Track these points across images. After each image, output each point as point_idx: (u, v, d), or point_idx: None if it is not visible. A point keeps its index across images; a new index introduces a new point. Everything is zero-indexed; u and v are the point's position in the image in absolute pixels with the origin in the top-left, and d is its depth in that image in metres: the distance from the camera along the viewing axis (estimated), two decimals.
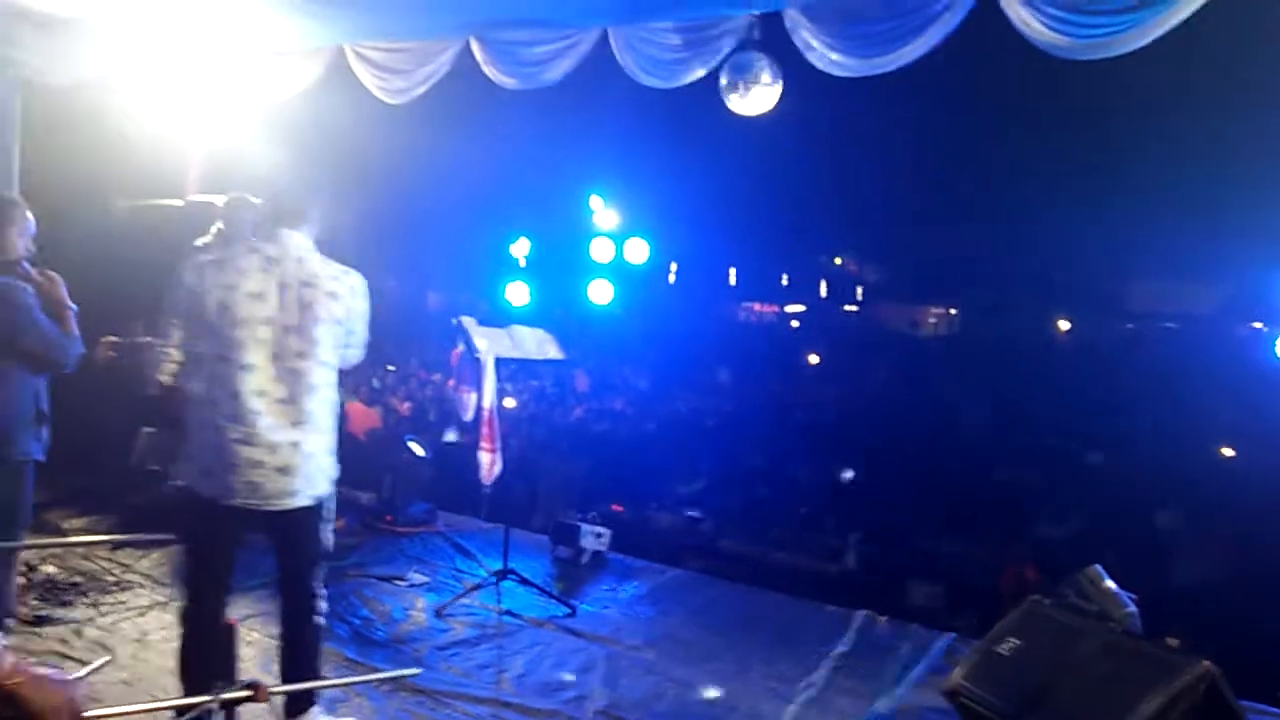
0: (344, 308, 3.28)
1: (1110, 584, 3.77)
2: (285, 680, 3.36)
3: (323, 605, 3.44)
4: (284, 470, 3.16)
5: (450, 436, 8.69)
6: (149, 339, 7.26)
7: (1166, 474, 9.11)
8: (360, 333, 3.40)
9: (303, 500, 3.23)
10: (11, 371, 3.84)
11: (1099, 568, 3.85)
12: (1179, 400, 10.26)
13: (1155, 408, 9.95)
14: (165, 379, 5.18)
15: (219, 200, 6.80)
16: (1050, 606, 3.73)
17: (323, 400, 3.26)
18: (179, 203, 7.62)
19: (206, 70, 6.59)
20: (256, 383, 3.15)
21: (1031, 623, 3.64)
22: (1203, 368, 11.42)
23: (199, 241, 6.54)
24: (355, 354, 3.45)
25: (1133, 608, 3.76)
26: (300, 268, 3.23)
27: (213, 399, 3.15)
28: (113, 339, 7.09)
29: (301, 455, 3.19)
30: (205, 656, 3.16)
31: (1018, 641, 3.57)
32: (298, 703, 3.36)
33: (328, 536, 3.47)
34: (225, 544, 3.30)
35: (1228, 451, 9.94)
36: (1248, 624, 6.79)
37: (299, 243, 3.27)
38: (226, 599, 3.34)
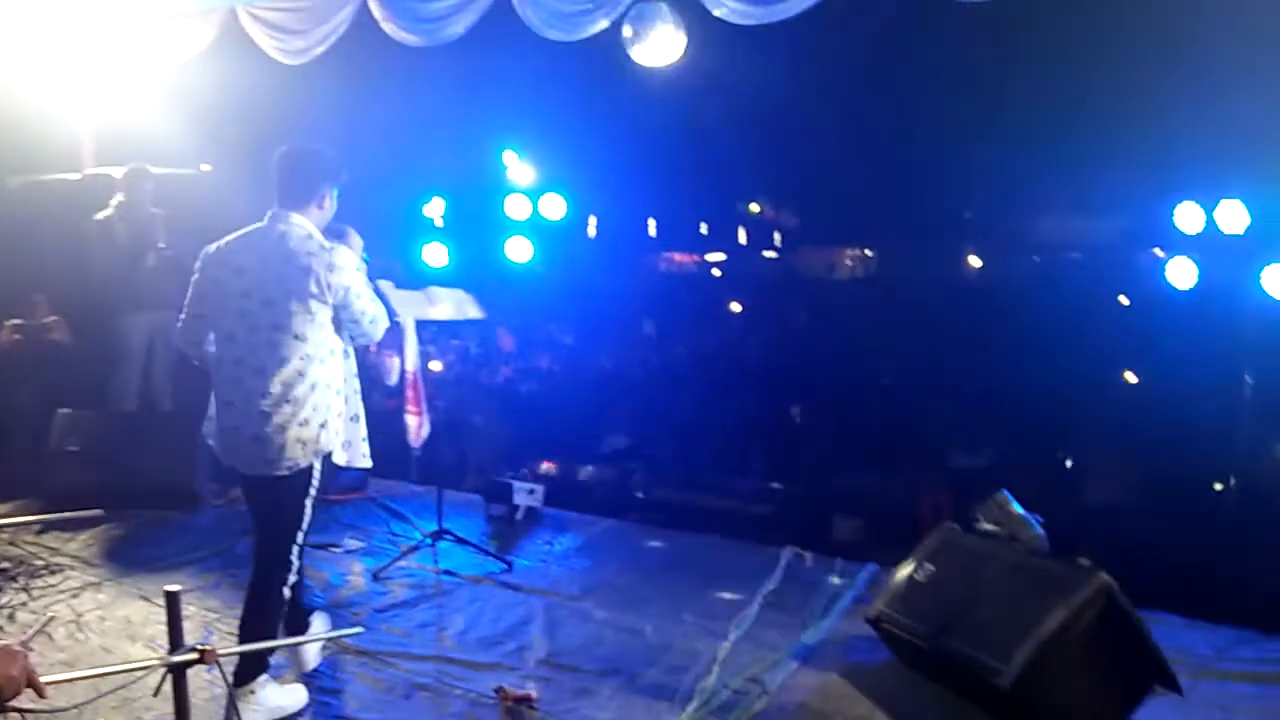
0: (322, 283, 3.36)
1: (1018, 508, 3.96)
2: (241, 637, 3.51)
3: (290, 577, 3.52)
4: (255, 439, 3.37)
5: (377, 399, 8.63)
6: (54, 318, 7.08)
7: (1074, 401, 9.50)
8: (357, 308, 3.48)
9: (277, 470, 3.39)
10: None
11: (1006, 492, 4.04)
12: (1084, 329, 10.67)
13: (1061, 338, 10.33)
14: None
15: (117, 172, 6.61)
16: (962, 533, 3.93)
17: (299, 374, 3.36)
18: (75, 176, 7.38)
19: (95, 37, 6.37)
20: (235, 353, 3.39)
21: (945, 549, 3.84)
22: (1106, 297, 11.87)
23: (99, 215, 6.36)
24: (362, 329, 3.57)
25: (1040, 530, 3.97)
26: (282, 244, 3.39)
27: (214, 369, 3.50)
28: (17, 322, 6.89)
29: (272, 426, 3.34)
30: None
31: (933, 567, 3.76)
32: (246, 670, 3.41)
33: (309, 507, 3.51)
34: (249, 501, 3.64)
35: (1130, 377, 10.40)
36: (1154, 540, 7.18)
37: (296, 221, 3.45)
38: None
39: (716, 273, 22.17)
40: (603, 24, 4.93)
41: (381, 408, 6.07)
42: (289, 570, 3.51)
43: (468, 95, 10.42)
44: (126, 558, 5.10)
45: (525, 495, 5.84)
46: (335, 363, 3.51)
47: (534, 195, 10.84)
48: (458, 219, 10.85)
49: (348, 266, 3.44)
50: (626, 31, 4.84)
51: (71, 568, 4.93)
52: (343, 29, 5.59)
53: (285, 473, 3.40)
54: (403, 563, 5.00)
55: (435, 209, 10.52)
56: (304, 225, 3.47)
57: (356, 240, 4.01)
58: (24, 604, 4.46)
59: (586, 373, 11.39)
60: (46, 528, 5.38)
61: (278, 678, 3.67)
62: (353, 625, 4.21)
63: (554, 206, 10.91)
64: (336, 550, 5.26)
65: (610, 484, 8.55)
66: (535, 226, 10.94)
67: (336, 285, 3.40)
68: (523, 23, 5.11)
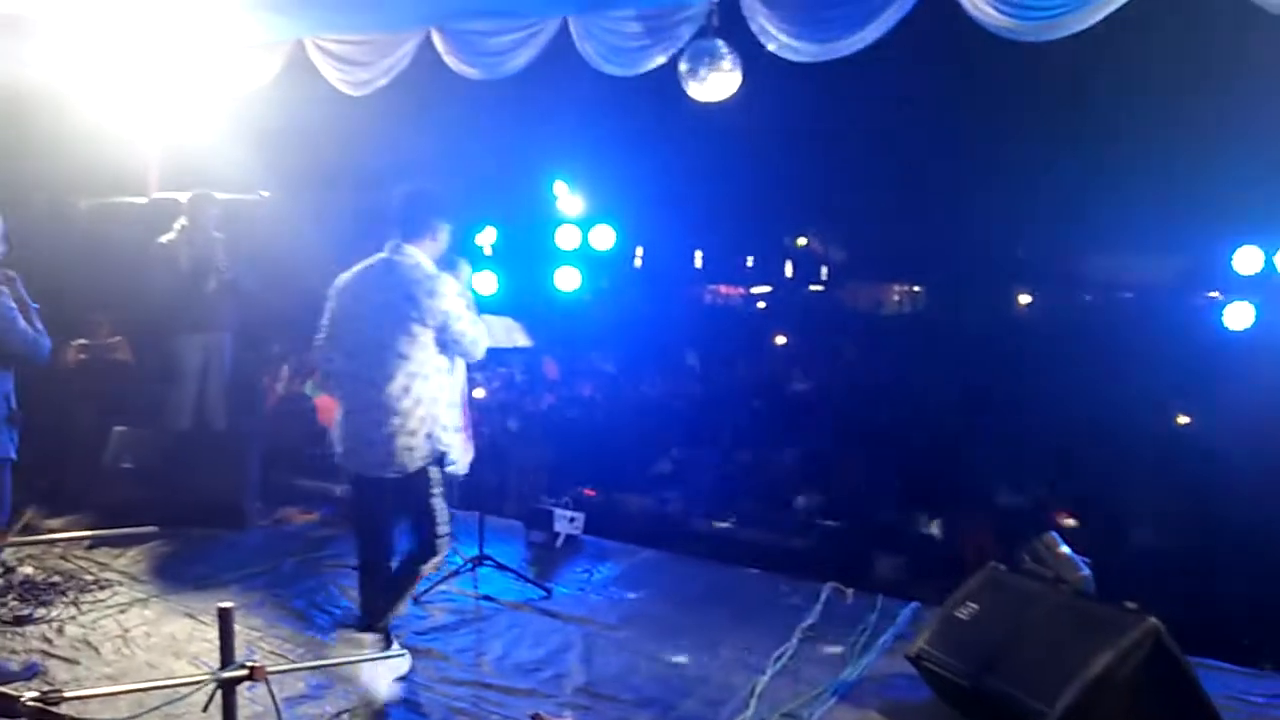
0: (423, 308, 3.79)
1: (1065, 549, 3.92)
2: (364, 604, 4.06)
3: (426, 568, 4.04)
4: (370, 445, 3.85)
5: None
6: (117, 338, 7.27)
7: (1124, 442, 9.33)
8: (456, 330, 3.89)
9: (389, 472, 3.87)
10: None
11: (1055, 534, 4.00)
12: (1135, 369, 10.50)
13: (1111, 377, 10.17)
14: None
15: (182, 197, 6.81)
16: (1007, 572, 3.88)
17: (405, 389, 3.81)
18: (141, 200, 7.60)
19: (165, 66, 6.57)
20: (354, 369, 3.88)
21: (989, 588, 3.80)
22: (1158, 337, 11.68)
23: (163, 238, 6.56)
24: (464, 349, 3.98)
25: (1087, 571, 3.92)
26: (393, 273, 3.86)
27: (339, 383, 4.01)
28: (82, 341, 7.10)
29: (383, 434, 3.81)
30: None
31: (976, 606, 3.72)
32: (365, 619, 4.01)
33: (438, 504, 3.98)
34: (369, 507, 4.08)
35: (1183, 419, 10.20)
36: (1203, 585, 7.01)
37: (410, 252, 3.90)
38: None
39: (762, 305, 22.17)
40: (660, 60, 5.00)
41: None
42: (429, 558, 4.00)
43: (522, 126, 10.59)
44: (174, 575, 5.19)
45: (566, 523, 5.86)
46: (441, 379, 3.94)
47: (584, 226, 10.95)
48: (508, 248, 10.98)
49: (449, 293, 3.87)
50: (683, 67, 4.90)
51: (120, 583, 5.02)
52: (406, 62, 5.71)
53: (397, 474, 3.87)
54: (443, 587, 5.04)
55: (486, 238, 10.65)
56: (415, 255, 3.91)
57: (465, 271, 4.60)
58: (73, 618, 4.56)
59: (629, 402, 11.42)
60: (96, 543, 5.50)
61: (319, 698, 3.72)
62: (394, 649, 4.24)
63: (603, 237, 11.00)
64: None
65: (651, 514, 8.55)
66: (584, 256, 11.05)
67: (436, 310, 3.82)
68: (580, 57, 5.20)
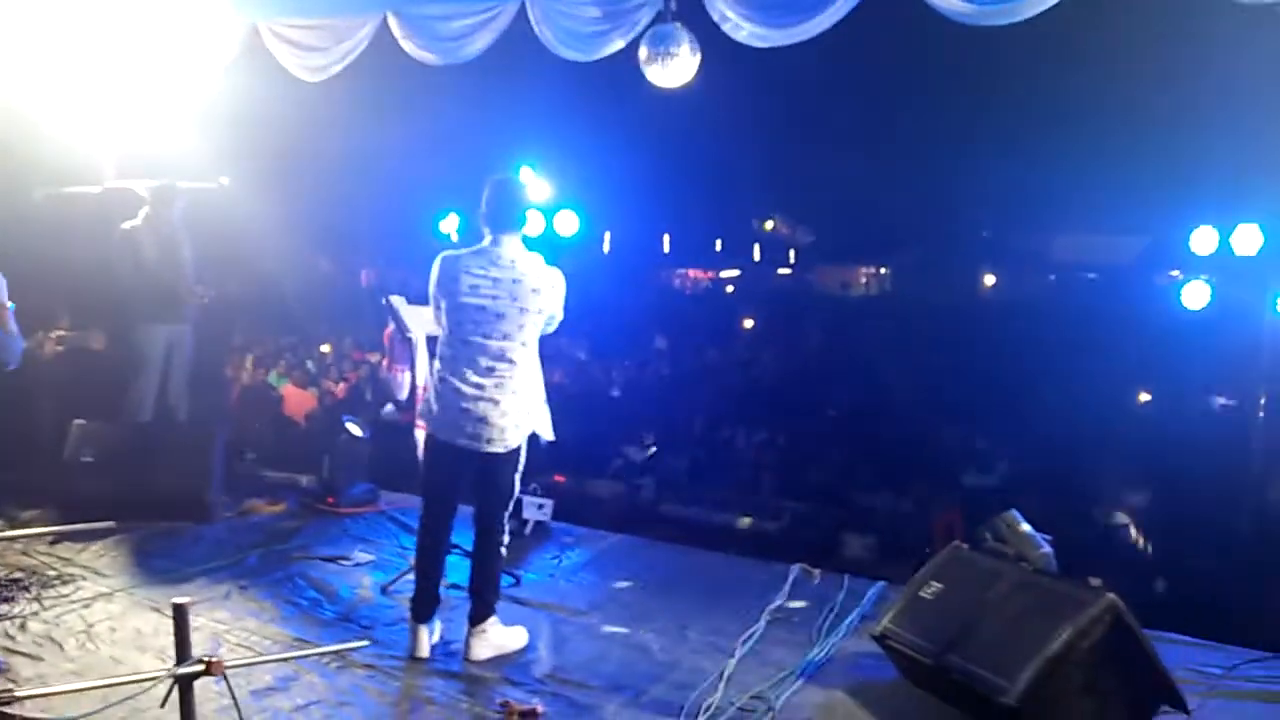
0: (541, 300, 4.05)
1: (1026, 527, 3.98)
2: (471, 593, 4.17)
3: (505, 538, 4.22)
4: (482, 420, 4.00)
5: (388, 414, 8.69)
6: (93, 330, 7.15)
7: (1087, 420, 9.46)
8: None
9: (494, 447, 4.02)
10: None
11: (1015, 512, 4.05)
12: (1098, 349, 10.64)
13: (1075, 357, 10.30)
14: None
15: (139, 186, 6.70)
16: (970, 551, 3.93)
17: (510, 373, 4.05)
18: (96, 189, 7.48)
19: (117, 53, 6.46)
20: (468, 356, 4.03)
21: (953, 567, 3.84)
22: (1121, 317, 11.84)
23: (126, 225, 6.45)
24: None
25: (1048, 548, 3.98)
26: (511, 268, 4.03)
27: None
28: (60, 333, 6.97)
29: (498, 412, 4.00)
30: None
31: (940, 585, 3.76)
32: (479, 613, 4.14)
33: (515, 483, 4.20)
34: (451, 477, 4.22)
35: (1144, 396, 10.36)
36: (1164, 561, 7.15)
37: (511, 244, 4.07)
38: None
39: (730, 289, 22.23)
40: (619, 44, 4.99)
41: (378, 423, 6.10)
42: (504, 532, 4.20)
43: (484, 112, 10.52)
44: (138, 568, 5.13)
45: (535, 509, 5.86)
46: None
47: (549, 212, 10.89)
48: (473, 235, 10.91)
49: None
50: (642, 53, 4.89)
51: (83, 578, 4.95)
52: (363, 47, 5.65)
53: (501, 450, 4.04)
54: (411, 576, 5.00)
55: (450, 224, 10.58)
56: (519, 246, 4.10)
57: None
58: (35, 613, 4.49)
59: (598, 387, 11.42)
60: (59, 538, 5.42)
61: (284, 690, 3.70)
62: (361, 639, 4.22)
63: (568, 223, 10.95)
64: (346, 563, 5.28)
65: (620, 499, 8.57)
66: (549, 243, 10.99)
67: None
68: (540, 42, 5.17)
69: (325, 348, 11.85)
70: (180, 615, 2.05)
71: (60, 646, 4.16)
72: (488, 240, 4.09)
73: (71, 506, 5.64)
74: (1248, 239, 7.53)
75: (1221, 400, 9.74)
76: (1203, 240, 7.83)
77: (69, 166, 7.42)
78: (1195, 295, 7.93)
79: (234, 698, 2.61)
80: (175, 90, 6.60)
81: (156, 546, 5.41)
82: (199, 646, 4.07)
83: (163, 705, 2.04)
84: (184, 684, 1.94)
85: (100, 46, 6.32)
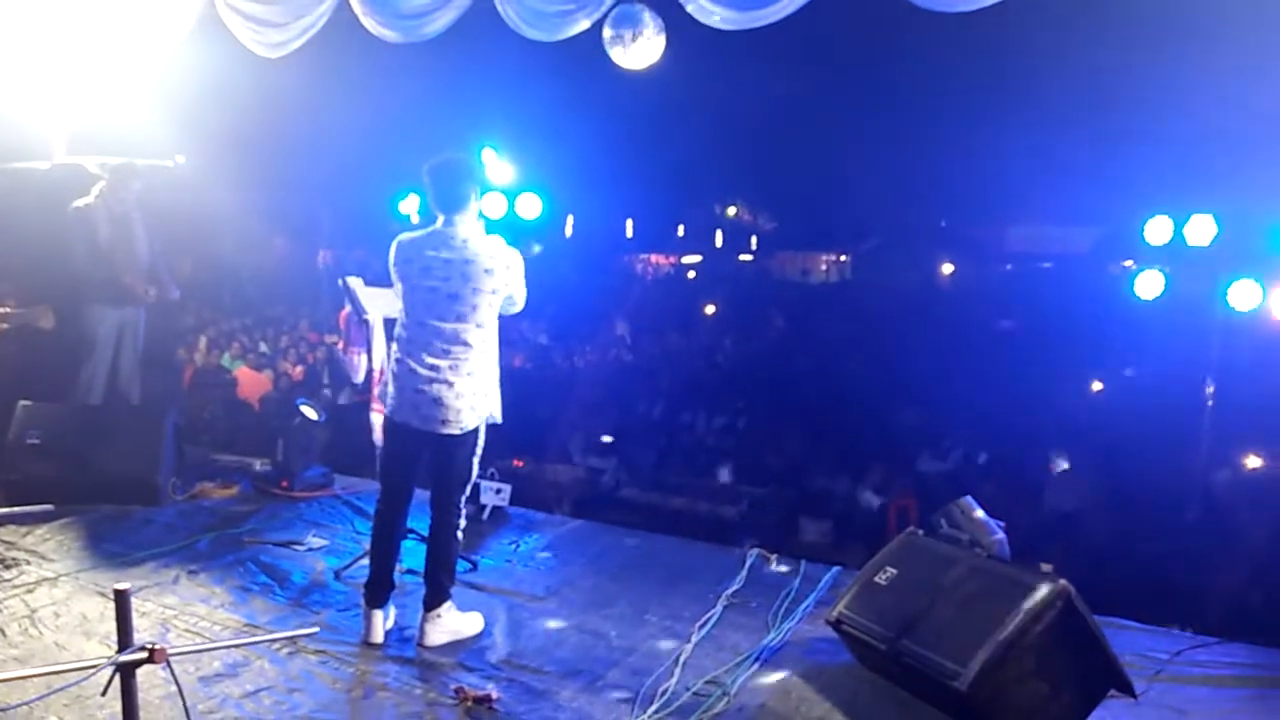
0: (494, 281, 4.01)
1: (980, 513, 4.01)
2: (426, 577, 4.13)
3: (461, 521, 4.18)
4: (437, 401, 3.95)
5: (343, 398, 8.59)
6: (42, 308, 6.98)
7: (1041, 408, 9.60)
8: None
9: (450, 429, 3.98)
10: None
11: (970, 499, 4.08)
12: (1053, 337, 10.79)
13: (1030, 345, 10.44)
14: None
15: (90, 164, 6.53)
16: (924, 537, 3.96)
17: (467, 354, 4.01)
18: (44, 165, 7.29)
19: (69, 25, 6.29)
20: (423, 338, 3.99)
21: (907, 553, 3.87)
22: (1076, 306, 12.02)
23: (79, 203, 6.29)
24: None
25: (1001, 535, 4.01)
26: (463, 249, 3.99)
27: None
28: (4, 310, 6.80)
29: (453, 394, 3.95)
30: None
31: (895, 571, 3.79)
32: (434, 599, 4.11)
33: (473, 466, 4.16)
34: (407, 460, 4.17)
35: (1096, 385, 10.52)
36: (1115, 547, 7.27)
37: (464, 224, 4.02)
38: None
39: (692, 274, 22.25)
40: (583, 25, 4.94)
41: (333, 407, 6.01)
42: (459, 515, 4.15)
43: (446, 92, 10.40)
44: (85, 553, 5.03)
45: (493, 495, 5.81)
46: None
47: (511, 194, 10.79)
48: (433, 216, 10.80)
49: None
50: (607, 33, 4.85)
51: (27, 562, 4.84)
52: (321, 23, 5.55)
53: (456, 432, 4.00)
54: (365, 561, 4.96)
55: (410, 205, 10.45)
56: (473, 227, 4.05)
57: None
58: None
59: (558, 372, 11.39)
60: (1, 521, 5.30)
61: (235, 676, 3.65)
62: (313, 624, 4.17)
63: (530, 206, 10.85)
64: (300, 548, 5.21)
65: (579, 484, 8.55)
66: (511, 225, 10.89)
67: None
68: (503, 22, 5.11)
69: (283, 340, 11.65)
70: (122, 601, 2.00)
71: (2, 632, 4.08)
72: (440, 222, 4.06)
73: (16, 489, 5.52)
74: (1201, 229, 7.64)
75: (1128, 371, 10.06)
76: (1157, 230, 7.94)
77: (17, 141, 7.23)
78: (1149, 285, 8.04)
79: (178, 685, 2.55)
80: (128, 64, 6.45)
81: (104, 530, 5.31)
82: (147, 633, 4.03)
83: (103, 694, 1.99)
84: (126, 672, 1.89)
85: (51, 18, 6.16)
